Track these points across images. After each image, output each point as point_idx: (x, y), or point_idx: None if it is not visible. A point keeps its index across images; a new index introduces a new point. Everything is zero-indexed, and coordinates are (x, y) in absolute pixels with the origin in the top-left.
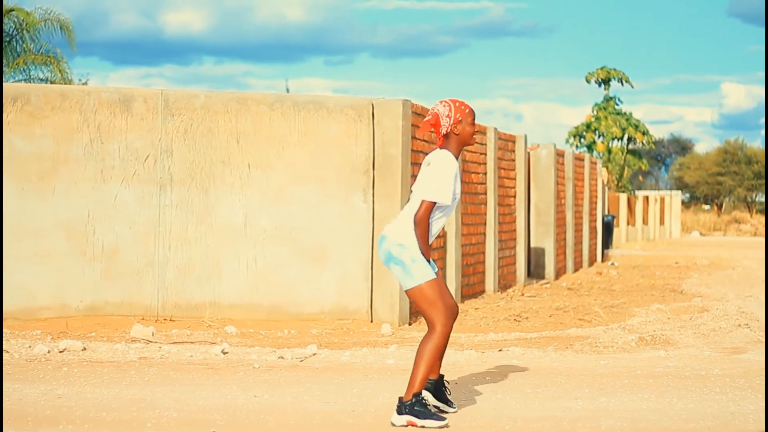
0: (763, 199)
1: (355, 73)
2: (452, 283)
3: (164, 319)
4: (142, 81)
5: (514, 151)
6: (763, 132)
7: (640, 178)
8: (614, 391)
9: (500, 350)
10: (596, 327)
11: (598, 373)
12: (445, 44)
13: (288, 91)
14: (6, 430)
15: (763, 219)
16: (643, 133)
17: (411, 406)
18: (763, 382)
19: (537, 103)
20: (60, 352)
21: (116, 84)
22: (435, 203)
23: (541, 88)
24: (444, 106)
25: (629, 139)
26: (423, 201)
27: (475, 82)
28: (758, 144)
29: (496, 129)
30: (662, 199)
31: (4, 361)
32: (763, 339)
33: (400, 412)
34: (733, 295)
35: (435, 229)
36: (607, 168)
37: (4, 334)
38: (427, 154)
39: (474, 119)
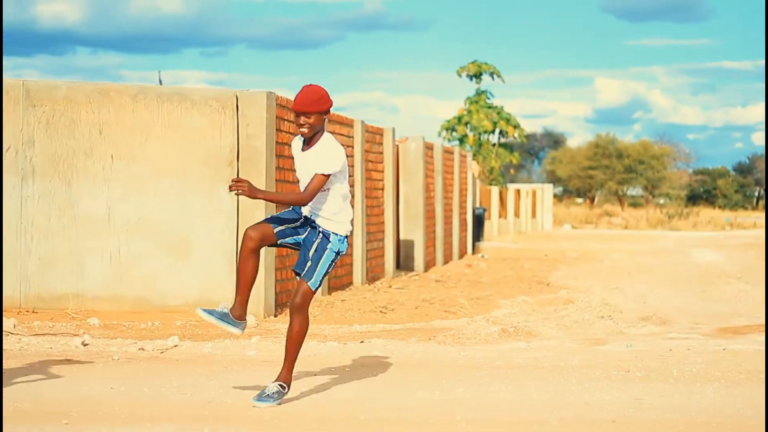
0: (633, 192)
1: (231, 64)
2: None
3: (26, 311)
4: (13, 72)
5: (381, 144)
6: (636, 126)
7: (512, 171)
8: (472, 382)
9: (362, 342)
10: (461, 318)
11: (457, 364)
12: (321, 37)
13: (161, 82)
14: None
15: (633, 212)
16: (515, 127)
17: None
18: (621, 373)
19: (411, 96)
20: None
21: None
22: None
23: (415, 82)
24: None
25: (501, 133)
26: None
27: (351, 75)
28: (629, 138)
29: (363, 122)
30: (534, 193)
31: None
32: (625, 331)
33: None
34: (599, 287)
35: None
36: (477, 161)
37: None
38: (290, 146)
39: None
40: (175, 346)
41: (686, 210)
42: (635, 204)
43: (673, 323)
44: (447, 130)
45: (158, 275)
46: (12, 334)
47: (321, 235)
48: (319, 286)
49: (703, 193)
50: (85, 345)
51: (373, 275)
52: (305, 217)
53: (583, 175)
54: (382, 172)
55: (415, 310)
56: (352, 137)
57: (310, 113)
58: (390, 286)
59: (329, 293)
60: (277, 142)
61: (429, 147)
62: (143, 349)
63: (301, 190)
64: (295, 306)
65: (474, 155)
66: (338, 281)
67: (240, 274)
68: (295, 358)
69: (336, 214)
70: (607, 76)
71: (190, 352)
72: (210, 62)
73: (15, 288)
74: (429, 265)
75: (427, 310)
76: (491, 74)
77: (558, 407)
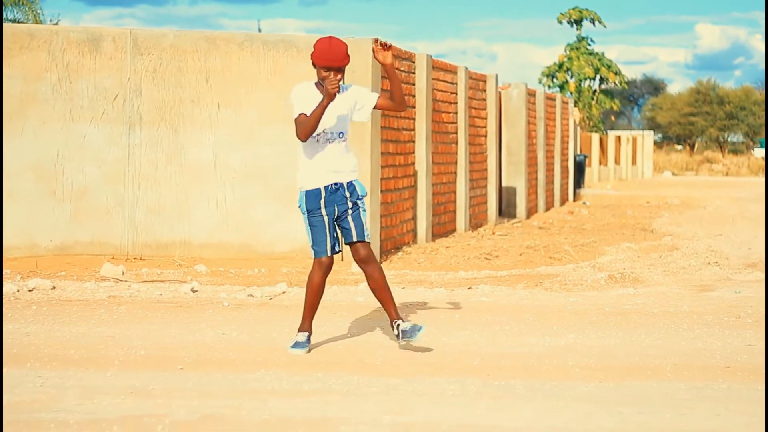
0: (734, 139)
1: (329, 13)
2: (423, 222)
3: (134, 258)
4: (114, 21)
5: (485, 91)
6: (736, 72)
7: (613, 118)
8: (582, 328)
9: (470, 288)
10: (566, 265)
11: (566, 310)
12: None
13: (260, 31)
14: None
15: (734, 158)
16: (616, 73)
17: None
18: (732, 319)
19: (510, 43)
20: (29, 291)
21: (88, 25)
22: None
23: (514, 29)
24: None
25: (601, 79)
26: None
27: (448, 22)
28: (730, 84)
29: (466, 68)
30: (634, 139)
31: None
32: (733, 277)
33: None
34: (704, 233)
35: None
36: (578, 108)
37: None
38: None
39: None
40: (284, 292)
41: None
42: (735, 151)
43: None
44: (547, 76)
45: (264, 222)
46: (121, 281)
47: (348, 199)
48: None
49: None
50: (194, 292)
51: (476, 222)
52: (335, 190)
53: (684, 122)
54: (485, 119)
55: (519, 257)
56: (456, 84)
57: (343, 68)
58: (493, 233)
59: (433, 240)
60: (382, 89)
61: (531, 94)
62: (252, 296)
63: (332, 134)
64: (362, 258)
65: (575, 102)
66: (442, 228)
67: (315, 300)
68: (393, 297)
69: (356, 160)
70: (707, 21)
71: (298, 299)
72: (308, 11)
73: (123, 235)
74: (531, 212)
75: (531, 257)
76: (592, 20)
77: (670, 353)
